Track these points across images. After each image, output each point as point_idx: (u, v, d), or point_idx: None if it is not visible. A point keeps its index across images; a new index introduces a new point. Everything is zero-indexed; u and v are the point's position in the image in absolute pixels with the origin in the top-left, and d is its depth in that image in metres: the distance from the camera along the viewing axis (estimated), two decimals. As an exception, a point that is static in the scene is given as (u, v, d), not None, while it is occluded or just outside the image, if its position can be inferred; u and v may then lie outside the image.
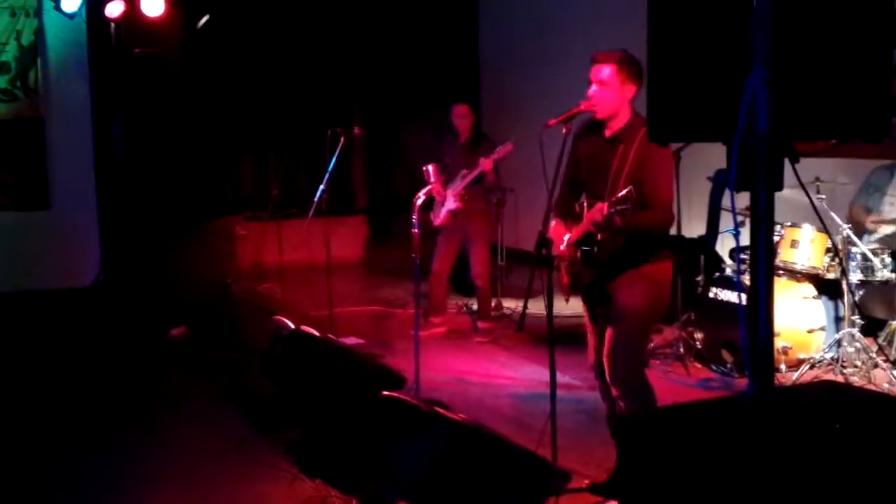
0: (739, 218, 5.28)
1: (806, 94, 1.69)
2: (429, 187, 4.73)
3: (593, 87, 3.43)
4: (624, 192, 3.16)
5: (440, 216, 6.11)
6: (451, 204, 5.99)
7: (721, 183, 1.71)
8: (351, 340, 6.11)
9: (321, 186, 5.91)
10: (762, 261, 1.64)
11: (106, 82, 7.74)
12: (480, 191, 6.08)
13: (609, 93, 3.41)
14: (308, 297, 6.79)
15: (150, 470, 4.03)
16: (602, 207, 3.25)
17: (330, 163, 5.83)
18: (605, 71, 3.40)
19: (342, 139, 5.86)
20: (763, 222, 1.65)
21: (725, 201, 1.76)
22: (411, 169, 8.37)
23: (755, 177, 1.63)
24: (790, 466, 1.72)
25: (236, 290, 5.98)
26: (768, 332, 1.64)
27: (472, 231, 6.18)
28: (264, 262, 8.35)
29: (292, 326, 4.46)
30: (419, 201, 4.56)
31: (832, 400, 2.08)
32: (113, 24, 7.28)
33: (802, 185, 1.89)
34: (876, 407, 2.13)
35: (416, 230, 4.51)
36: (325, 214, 5.97)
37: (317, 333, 4.47)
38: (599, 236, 3.41)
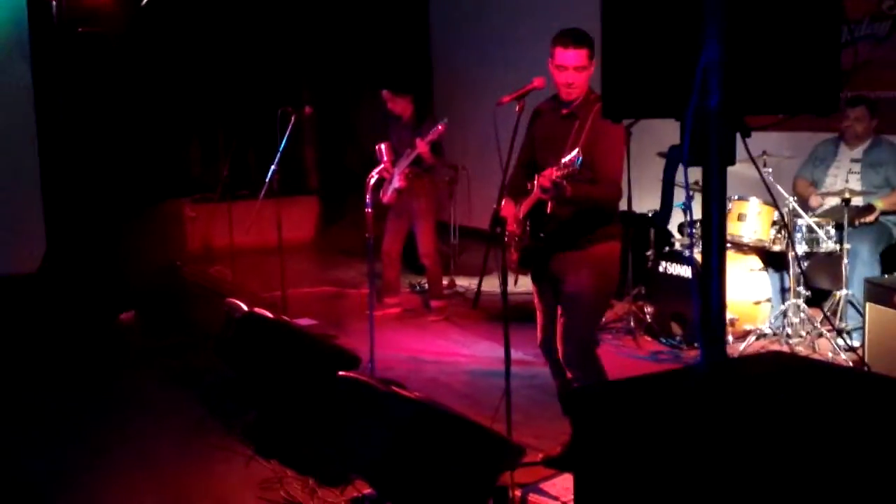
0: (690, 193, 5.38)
1: (757, 70, 1.71)
2: (381, 166, 4.71)
3: (571, 73, 3.41)
4: (571, 154, 3.16)
5: (387, 194, 6.12)
6: (396, 183, 6.02)
7: (674, 159, 1.73)
8: (304, 321, 6.07)
9: (272, 167, 5.84)
10: (714, 234, 1.67)
11: (48, 62, 7.50)
12: (424, 170, 6.08)
13: (585, 75, 3.42)
14: (260, 279, 6.73)
15: (102, 456, 3.97)
16: (550, 173, 3.25)
17: (281, 143, 5.76)
18: (583, 55, 3.40)
19: (293, 119, 5.80)
20: (715, 197, 1.68)
21: (678, 176, 1.78)
22: (363, 148, 8.31)
23: (707, 152, 1.65)
24: (741, 436, 1.75)
25: (186, 273, 5.89)
26: (720, 305, 1.67)
27: (418, 210, 6.19)
28: (214, 244, 8.24)
29: (245, 309, 4.41)
30: (372, 180, 4.54)
31: (781, 370, 2.13)
32: (55, 2, 7.05)
33: (753, 160, 1.93)
34: (823, 377, 2.19)
35: (369, 210, 4.49)
36: (277, 195, 5.90)
37: (270, 315, 4.43)
38: (548, 209, 3.42)
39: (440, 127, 5.70)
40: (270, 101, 6.95)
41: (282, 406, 4.01)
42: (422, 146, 5.78)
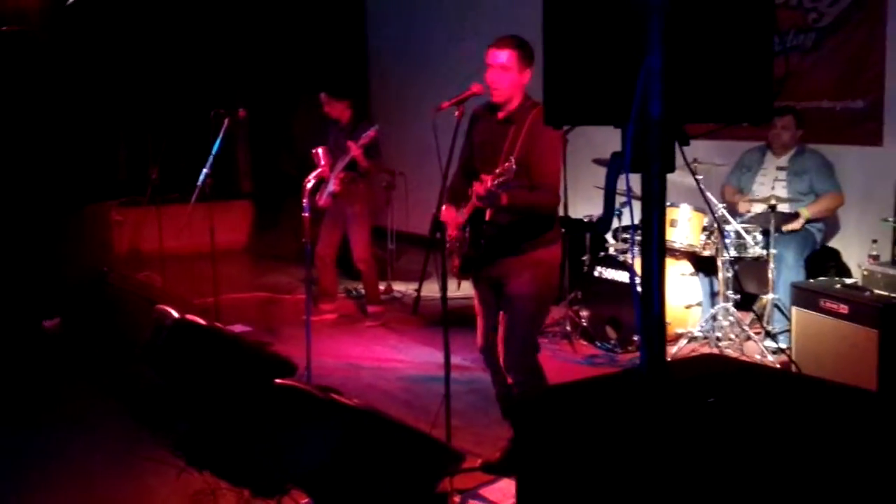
0: (622, 199, 5.48)
1: (695, 80, 1.74)
2: (318, 170, 4.65)
3: (493, 72, 3.44)
4: (506, 164, 3.19)
5: (322, 198, 6.07)
6: (331, 187, 5.98)
7: (617, 166, 1.75)
8: (238, 328, 5.97)
9: (205, 170, 5.72)
10: (654, 240, 1.69)
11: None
12: (359, 175, 6.05)
13: (508, 76, 3.44)
14: (190, 285, 6.59)
15: (27, 469, 3.83)
16: (486, 181, 3.27)
17: (214, 146, 5.65)
18: (505, 55, 3.43)
19: (226, 121, 5.69)
20: (655, 203, 1.70)
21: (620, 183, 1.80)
22: (298, 152, 8.21)
23: (649, 159, 1.67)
24: (682, 437, 1.78)
25: (113, 279, 5.71)
26: (660, 308, 1.69)
27: (352, 214, 6.16)
28: (142, 249, 8.03)
29: (176, 315, 4.29)
30: (309, 185, 4.48)
31: (717, 372, 2.18)
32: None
33: (689, 167, 1.96)
34: (756, 378, 2.24)
35: (306, 214, 4.43)
36: (209, 199, 5.78)
37: (203, 322, 4.32)
38: (487, 215, 3.44)
39: (372, 132, 5.69)
40: (203, 102, 6.80)
41: (215, 416, 3.91)
42: (354, 150, 5.75)
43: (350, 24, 10.20)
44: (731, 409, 1.95)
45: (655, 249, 1.68)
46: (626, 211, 5.96)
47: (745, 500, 1.72)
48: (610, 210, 1.90)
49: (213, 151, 5.68)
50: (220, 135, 5.66)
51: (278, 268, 8.15)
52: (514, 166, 3.13)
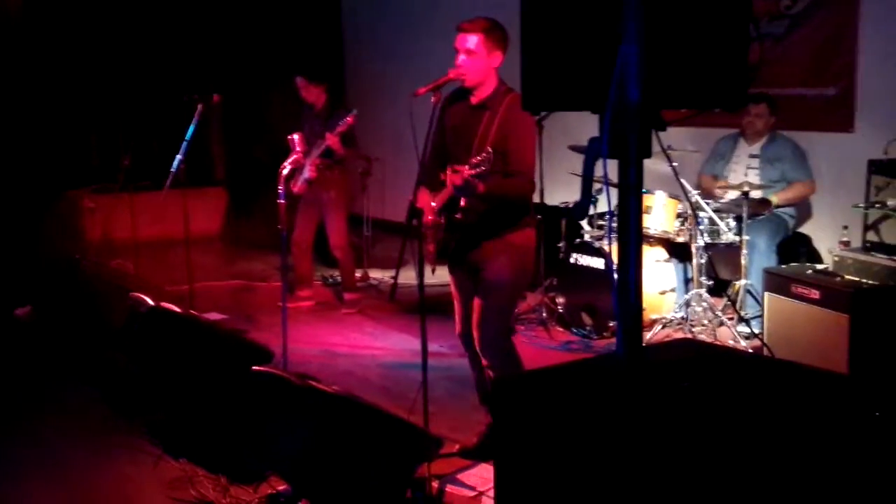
0: (598, 186, 5.51)
1: (672, 66, 1.75)
2: (294, 157, 4.62)
3: (461, 56, 3.45)
4: (482, 154, 3.19)
5: (297, 185, 6.04)
6: (306, 173, 5.95)
7: (594, 152, 1.76)
8: (213, 316, 5.93)
9: (178, 156, 5.66)
10: (632, 225, 1.70)
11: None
12: (335, 161, 6.03)
13: (477, 61, 3.44)
14: (164, 273, 6.53)
15: (4, 458, 3.79)
16: (462, 171, 3.27)
17: (187, 132, 5.59)
18: (472, 40, 3.43)
19: (200, 107, 5.63)
20: (633, 189, 1.71)
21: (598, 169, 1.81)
22: (273, 138, 8.14)
23: (626, 145, 1.68)
24: (658, 420, 1.80)
25: (86, 266, 5.65)
26: (637, 294, 1.71)
27: (328, 201, 6.13)
28: (115, 236, 7.94)
29: (151, 303, 4.27)
30: (285, 171, 4.45)
31: (694, 356, 2.20)
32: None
33: (665, 153, 1.97)
34: (732, 362, 2.27)
35: (282, 201, 4.40)
36: (183, 185, 5.72)
37: (178, 309, 4.30)
38: (463, 202, 3.44)
39: (349, 119, 5.66)
40: (175, 88, 6.74)
41: (191, 403, 3.90)
42: (331, 139, 5.72)
43: (325, 8, 10.12)
44: (706, 393, 1.98)
45: (633, 235, 1.69)
46: (601, 197, 6.00)
47: (721, 481, 1.75)
48: (587, 196, 1.91)
49: (187, 137, 5.62)
50: (194, 120, 5.60)
51: (253, 255, 8.11)
52: (491, 156, 3.13)
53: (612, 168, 1.85)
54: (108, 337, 4.71)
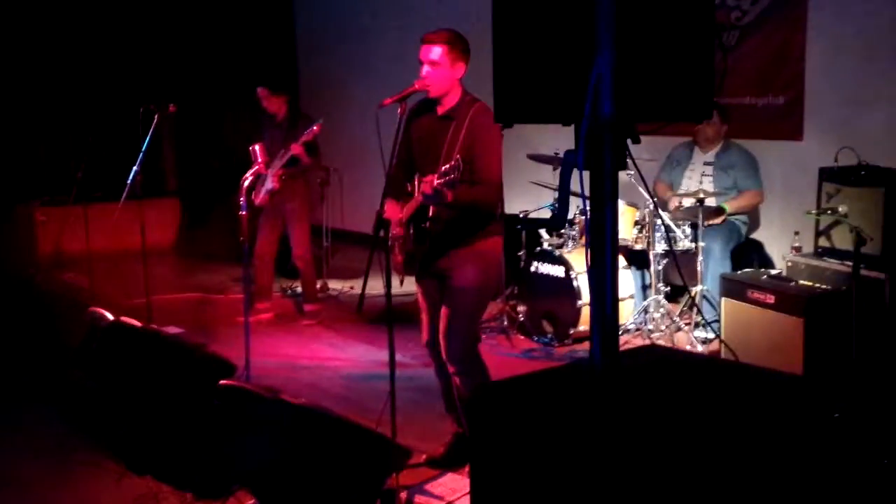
0: (555, 196, 5.57)
1: (643, 80, 1.80)
2: (255, 167, 4.59)
3: (425, 68, 3.47)
4: (451, 162, 3.22)
5: (259, 196, 6.00)
6: (269, 184, 5.92)
7: (570, 164, 1.79)
8: (171, 329, 5.84)
9: (135, 167, 5.59)
10: (608, 235, 1.74)
11: None
12: (299, 171, 6.00)
13: (440, 72, 3.47)
14: (118, 286, 6.43)
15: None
16: (431, 179, 3.30)
17: (144, 142, 5.52)
18: (436, 51, 3.46)
19: (156, 117, 5.57)
20: (608, 199, 1.75)
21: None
22: (227, 149, 8.08)
23: (601, 157, 1.72)
24: (633, 426, 1.84)
25: (41, 280, 5.54)
26: (614, 302, 1.75)
27: (291, 212, 6.10)
28: (67, 249, 7.79)
29: (111, 318, 4.20)
30: (246, 182, 4.43)
31: (660, 362, 2.25)
32: None
33: (633, 162, 2.02)
34: (696, 367, 2.33)
35: (243, 212, 4.37)
36: (139, 197, 5.65)
37: (138, 324, 4.23)
38: (431, 211, 3.47)
39: (315, 127, 5.64)
40: (126, 99, 6.64)
41: (154, 418, 3.84)
42: (296, 148, 5.70)
43: (279, 19, 10.08)
44: (676, 398, 2.02)
45: (609, 244, 1.73)
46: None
47: (695, 484, 1.79)
48: (565, 206, 1.95)
49: (144, 148, 5.55)
50: (151, 131, 5.54)
51: (209, 267, 8.01)
52: (460, 164, 3.16)
53: (579, 178, 1.88)
54: (65, 353, 4.62)
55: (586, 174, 1.77)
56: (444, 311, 3.58)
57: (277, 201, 6.02)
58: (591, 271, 1.82)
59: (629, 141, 1.83)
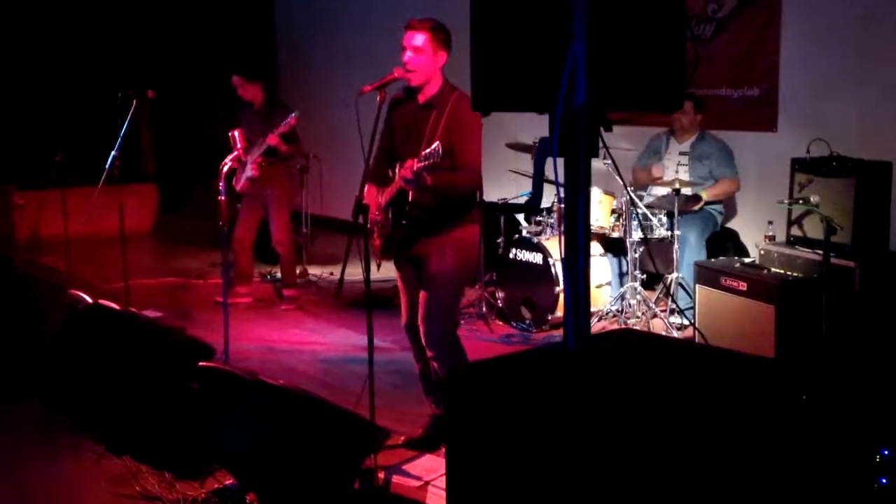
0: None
1: (616, 70, 1.85)
2: (235, 153, 4.60)
3: (408, 53, 3.51)
4: (432, 146, 3.26)
5: (240, 182, 6.01)
6: (248, 171, 5.93)
7: (544, 151, 1.84)
8: (149, 313, 5.84)
9: (113, 152, 5.57)
10: (580, 221, 1.79)
11: None
12: (278, 159, 6.01)
13: (422, 59, 3.50)
14: (96, 270, 6.42)
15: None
16: (412, 164, 3.34)
17: (122, 127, 5.51)
18: (419, 38, 3.49)
19: (134, 102, 5.55)
20: (581, 186, 1.80)
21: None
22: (205, 134, 8.05)
23: (575, 145, 1.77)
24: (606, 407, 1.90)
25: (18, 263, 5.52)
26: (586, 285, 1.80)
27: (271, 198, 6.12)
28: (44, 233, 7.75)
29: (89, 300, 4.21)
30: (225, 168, 4.43)
31: (633, 344, 2.31)
32: None
33: (608, 150, 2.07)
34: (668, 349, 2.39)
35: (222, 198, 4.39)
36: (117, 182, 5.64)
37: (116, 307, 4.25)
38: (411, 196, 3.51)
39: (291, 120, 5.64)
40: (103, 84, 6.60)
41: (132, 400, 3.87)
42: (272, 139, 5.71)
43: (257, 4, 10.04)
44: (647, 378, 2.09)
45: (581, 230, 1.78)
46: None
47: (668, 464, 1.85)
48: (538, 192, 2.00)
49: (122, 133, 5.54)
50: (129, 116, 5.52)
51: (187, 252, 8.00)
52: (440, 149, 3.20)
53: (556, 165, 1.93)
54: (43, 335, 4.62)
55: (560, 161, 1.82)
56: (421, 296, 3.63)
57: (258, 188, 6.04)
58: (565, 254, 1.87)
59: (603, 130, 1.88)
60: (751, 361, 2.37)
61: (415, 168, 3.31)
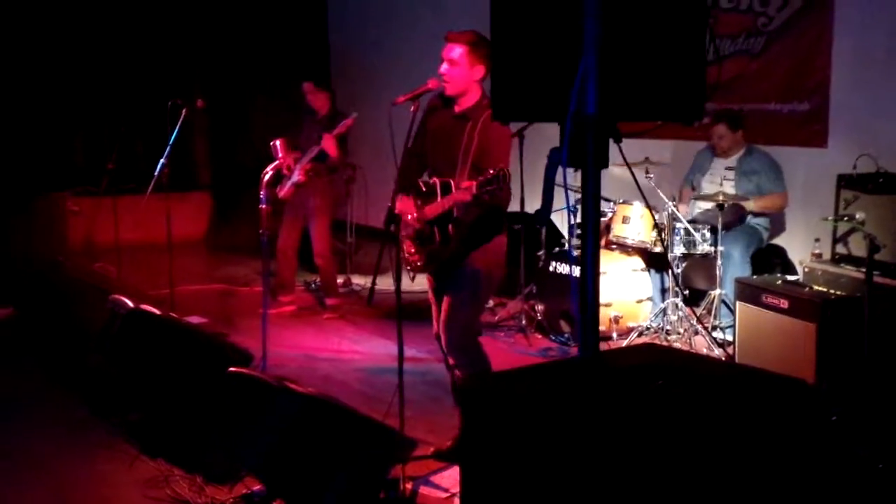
0: (577, 196, 5.59)
1: (629, 80, 1.83)
2: (276, 162, 4.68)
3: (444, 65, 3.53)
4: (495, 172, 3.24)
5: (284, 189, 6.09)
6: (295, 177, 6.00)
7: (554, 161, 1.83)
8: (194, 319, 5.96)
9: (161, 160, 5.71)
10: (590, 229, 1.78)
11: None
12: (325, 168, 6.08)
13: (458, 72, 3.52)
14: (147, 276, 6.56)
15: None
16: (471, 187, 3.32)
17: (171, 136, 5.64)
18: (456, 51, 3.51)
19: (183, 111, 5.69)
20: (591, 196, 1.78)
21: (560, 178, 1.89)
22: (257, 144, 8.18)
23: (584, 155, 1.75)
24: (618, 417, 1.87)
25: (68, 268, 5.69)
26: (594, 293, 1.78)
27: (313, 207, 6.17)
28: (98, 239, 7.96)
29: (131, 305, 4.31)
30: (266, 176, 4.51)
31: (654, 359, 2.28)
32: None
33: (627, 164, 2.05)
34: (691, 364, 2.35)
35: (263, 206, 4.46)
36: (166, 190, 5.77)
37: (157, 311, 4.34)
38: (456, 212, 3.50)
39: (349, 120, 5.69)
40: (161, 92, 6.77)
41: (169, 404, 3.94)
42: (327, 140, 5.77)
43: (312, 14, 10.20)
44: (663, 395, 2.05)
45: (591, 238, 1.76)
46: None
47: (674, 479, 1.82)
48: (548, 202, 1.99)
49: (171, 142, 5.68)
50: (178, 125, 5.66)
51: (236, 260, 8.14)
52: (506, 175, 3.19)
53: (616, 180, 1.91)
54: (88, 339, 4.74)
55: (570, 171, 1.81)
56: (445, 302, 3.63)
57: (301, 196, 6.09)
58: (580, 263, 1.85)
59: (613, 140, 1.86)
60: (775, 380, 2.31)
61: (475, 192, 3.30)
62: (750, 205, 5.47)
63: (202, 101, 5.91)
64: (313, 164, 5.95)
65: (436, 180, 3.58)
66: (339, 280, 6.72)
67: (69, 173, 8.84)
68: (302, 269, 6.87)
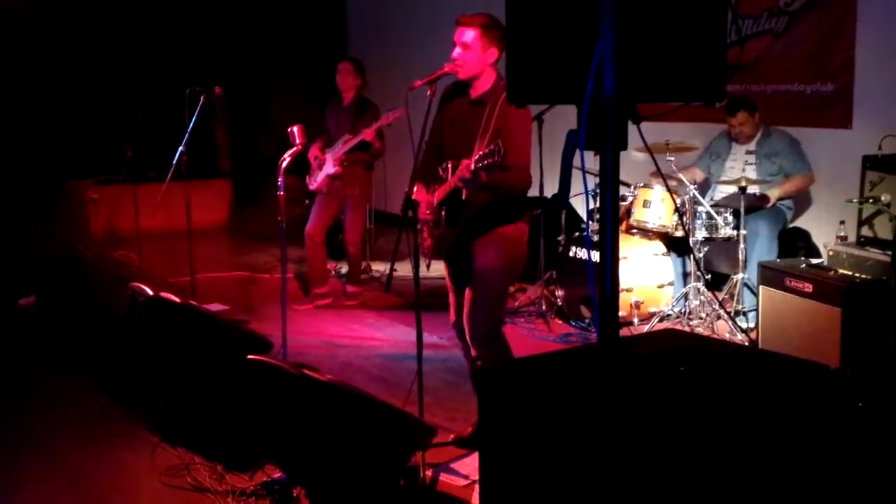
0: (598, 179, 5.54)
1: (648, 60, 1.79)
2: (294, 149, 4.65)
3: (457, 49, 3.49)
4: (491, 146, 3.22)
5: (317, 181, 6.05)
6: (329, 168, 5.95)
7: (572, 143, 1.80)
8: (215, 307, 5.98)
9: (180, 148, 5.72)
10: (609, 212, 1.74)
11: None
12: (361, 157, 6.04)
13: (471, 55, 3.47)
14: (168, 264, 6.60)
15: (3, 446, 3.85)
16: (468, 163, 3.29)
17: (190, 123, 5.65)
18: (469, 34, 3.47)
19: (202, 99, 5.68)
20: (609, 179, 1.75)
21: (577, 161, 1.86)
22: (276, 131, 8.17)
23: (603, 137, 1.72)
24: (637, 404, 1.84)
25: (89, 256, 5.72)
26: (614, 279, 1.75)
27: (352, 197, 6.13)
28: (119, 227, 8.02)
29: (150, 293, 4.32)
30: (284, 164, 4.49)
31: (675, 345, 2.24)
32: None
33: (647, 147, 2.01)
34: (713, 350, 2.31)
35: (281, 193, 4.45)
36: (186, 177, 5.78)
37: (177, 299, 4.35)
38: (464, 194, 3.48)
39: (399, 112, 5.53)
40: (180, 80, 6.77)
41: (189, 391, 3.96)
42: (369, 133, 5.74)
43: (330, 2, 10.17)
44: (683, 381, 2.02)
45: (609, 221, 1.73)
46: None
47: (691, 466, 1.79)
48: (566, 185, 1.95)
49: (189, 129, 5.68)
50: (196, 112, 5.66)
51: (258, 247, 8.17)
52: (500, 148, 3.15)
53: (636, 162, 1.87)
54: (109, 326, 4.77)
55: (588, 154, 1.78)
56: (467, 292, 3.60)
57: (337, 186, 6.05)
58: (598, 248, 1.82)
59: (631, 122, 1.82)
60: (799, 366, 2.27)
61: (472, 167, 3.27)
62: (775, 193, 5.38)
63: (220, 89, 5.90)
64: (348, 154, 5.90)
65: (449, 164, 3.55)
66: (361, 267, 6.70)
67: (90, 162, 8.90)
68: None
